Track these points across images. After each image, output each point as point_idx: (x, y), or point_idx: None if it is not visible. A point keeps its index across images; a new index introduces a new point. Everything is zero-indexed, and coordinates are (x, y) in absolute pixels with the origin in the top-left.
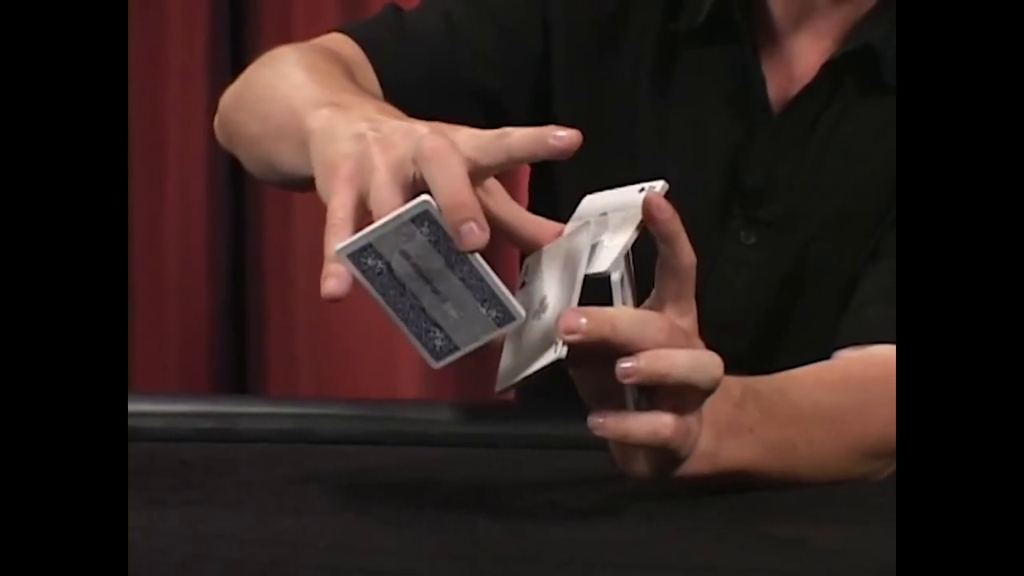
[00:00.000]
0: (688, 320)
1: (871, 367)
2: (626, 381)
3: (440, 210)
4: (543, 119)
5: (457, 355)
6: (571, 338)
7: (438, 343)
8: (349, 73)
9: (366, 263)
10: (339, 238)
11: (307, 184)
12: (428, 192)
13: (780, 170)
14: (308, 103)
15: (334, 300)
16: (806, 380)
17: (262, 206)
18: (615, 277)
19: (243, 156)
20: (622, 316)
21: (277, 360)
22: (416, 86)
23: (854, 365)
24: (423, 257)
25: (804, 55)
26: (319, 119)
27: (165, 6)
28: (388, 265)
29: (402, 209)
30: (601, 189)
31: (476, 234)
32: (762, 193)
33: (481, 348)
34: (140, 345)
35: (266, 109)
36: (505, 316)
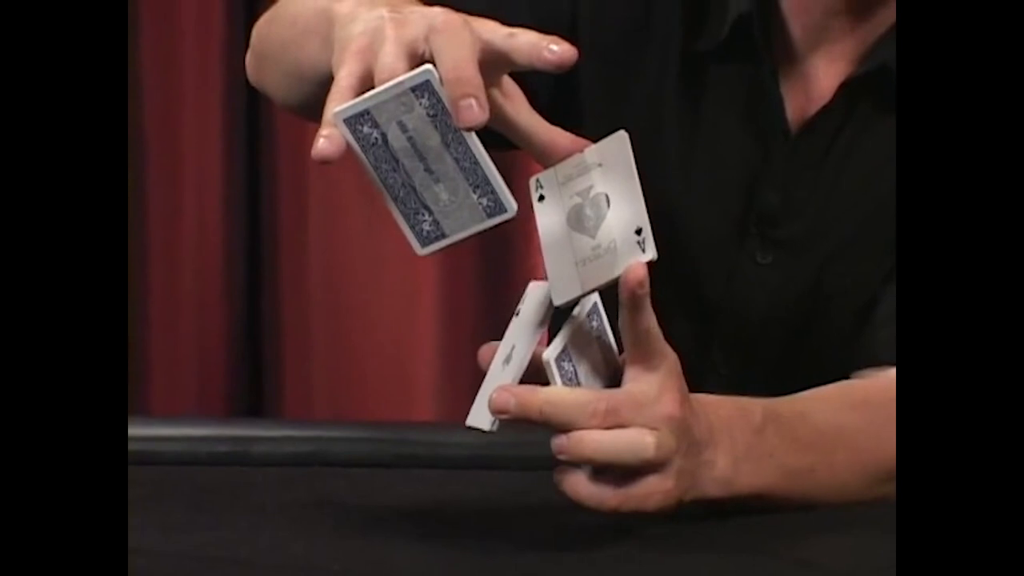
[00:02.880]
0: (656, 376)
1: (890, 389)
2: (559, 457)
3: (442, 82)
4: (567, 125)
5: (443, 243)
6: (502, 417)
7: (426, 227)
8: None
9: (362, 131)
10: (335, 103)
11: (328, 87)
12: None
13: (797, 190)
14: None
15: (324, 162)
16: (828, 403)
17: (278, 228)
18: (548, 359)
19: (269, 75)
20: (554, 399)
21: (293, 382)
22: None
23: (874, 387)
24: (420, 131)
25: (821, 76)
26: (345, 6)
27: (180, 23)
28: (384, 136)
29: (404, 76)
30: None
31: (475, 111)
32: (778, 213)
33: (469, 238)
34: (156, 367)
35: (296, 11)
36: (496, 207)
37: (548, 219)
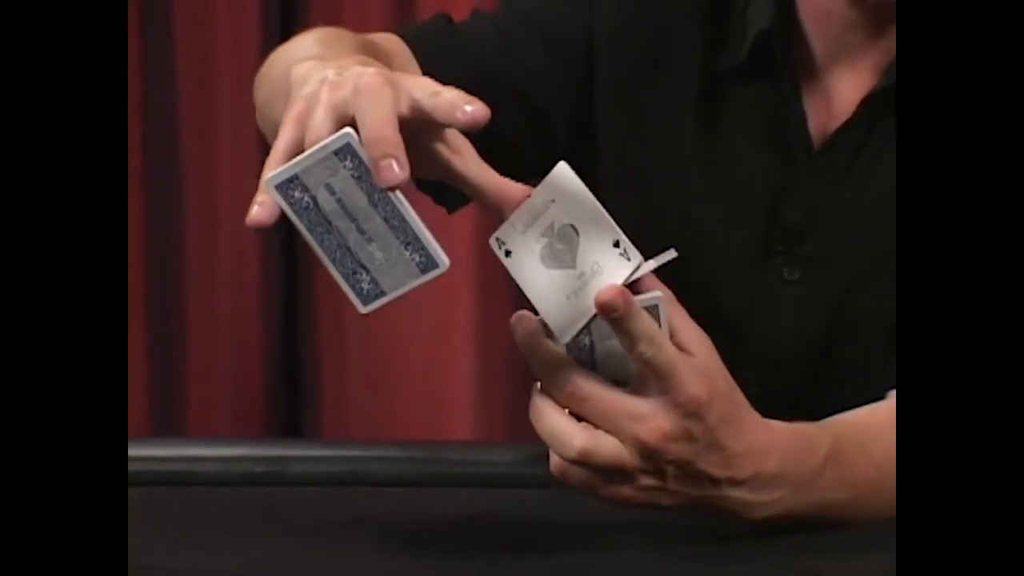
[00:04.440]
0: (652, 401)
1: None
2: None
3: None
4: (585, 152)
5: (384, 300)
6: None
7: (365, 286)
8: (379, 57)
9: (293, 195)
10: (269, 169)
11: None
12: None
13: (821, 206)
14: (300, 60)
15: (258, 229)
16: (887, 430)
17: None
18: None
19: (263, 128)
20: (549, 361)
21: (330, 403)
22: (456, 84)
23: None
24: (347, 193)
25: (843, 91)
26: (301, 68)
27: (215, 40)
28: (315, 199)
29: (327, 140)
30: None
31: (394, 171)
32: (803, 229)
33: (407, 294)
34: (194, 389)
35: (273, 71)
36: (428, 262)
37: (523, 269)
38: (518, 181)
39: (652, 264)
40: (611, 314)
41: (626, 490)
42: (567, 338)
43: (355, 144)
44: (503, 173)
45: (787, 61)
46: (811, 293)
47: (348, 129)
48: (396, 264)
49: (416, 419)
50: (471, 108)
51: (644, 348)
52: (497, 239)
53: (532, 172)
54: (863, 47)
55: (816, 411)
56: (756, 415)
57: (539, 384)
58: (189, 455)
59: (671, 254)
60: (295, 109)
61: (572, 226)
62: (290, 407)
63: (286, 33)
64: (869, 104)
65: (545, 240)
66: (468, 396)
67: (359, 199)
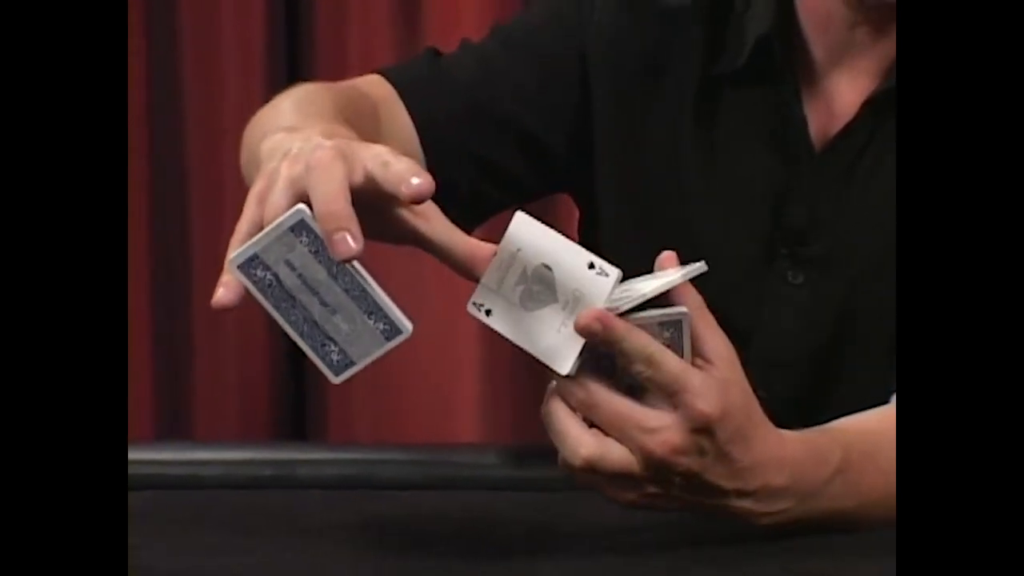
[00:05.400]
0: (663, 414)
1: None
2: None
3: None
4: (584, 165)
5: (355, 369)
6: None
7: (334, 357)
8: (363, 109)
9: (256, 274)
10: (232, 250)
11: None
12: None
13: (823, 208)
14: (274, 130)
15: (224, 310)
16: (895, 438)
17: None
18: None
19: None
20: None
21: (336, 406)
22: (448, 123)
23: None
24: (307, 267)
25: (844, 93)
26: (270, 142)
27: (221, 55)
28: (276, 276)
29: (282, 218)
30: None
31: (348, 243)
32: (806, 232)
33: (377, 362)
34: (200, 392)
35: (250, 139)
36: (392, 329)
37: (506, 322)
38: (522, 209)
39: (680, 277)
40: (592, 338)
41: (631, 495)
42: (567, 369)
43: (308, 219)
44: (507, 203)
45: (787, 64)
46: (815, 296)
47: (301, 205)
48: (362, 334)
49: (422, 421)
50: (416, 181)
51: (640, 368)
52: (474, 303)
53: (534, 196)
54: (864, 49)
55: (819, 414)
56: (769, 426)
57: (554, 383)
58: (195, 458)
59: (701, 267)
60: (257, 187)
61: (544, 265)
62: (296, 410)
63: (291, 35)
64: (870, 106)
65: (521, 287)
66: (474, 397)
67: (318, 272)
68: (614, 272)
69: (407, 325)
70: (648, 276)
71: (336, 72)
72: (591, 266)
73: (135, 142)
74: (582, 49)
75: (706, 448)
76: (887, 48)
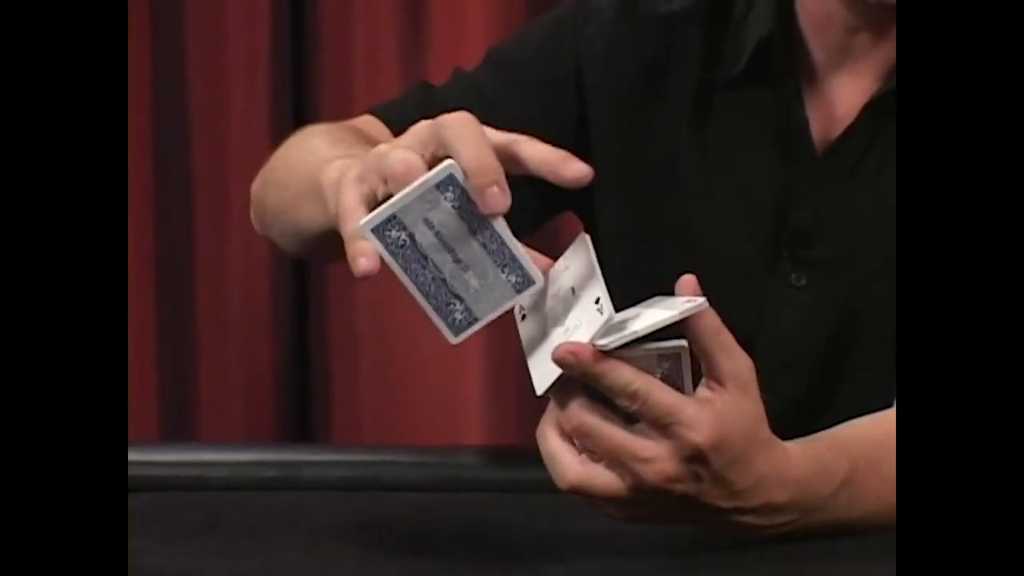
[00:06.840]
0: (658, 443)
1: None
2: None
3: (464, 174)
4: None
5: (475, 328)
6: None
7: (457, 316)
8: (365, 143)
9: (390, 236)
10: (353, 222)
11: (331, 239)
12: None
13: (826, 210)
14: (324, 161)
15: (367, 278)
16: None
17: None
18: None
19: (273, 232)
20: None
21: (341, 407)
22: None
23: None
24: (447, 224)
25: (845, 95)
26: (333, 168)
27: (227, 58)
28: (412, 236)
29: (427, 175)
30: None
31: (499, 197)
32: (809, 234)
33: (498, 319)
34: (205, 393)
35: (287, 178)
36: (525, 280)
37: (526, 329)
38: (524, 233)
39: (678, 314)
40: (568, 370)
41: (622, 514)
42: (541, 390)
43: (459, 176)
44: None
45: (788, 68)
46: (818, 298)
47: (451, 161)
48: (492, 288)
49: (427, 422)
50: (579, 167)
51: (624, 403)
52: (521, 306)
53: (537, 220)
54: (864, 51)
55: (823, 415)
56: (775, 445)
57: (552, 405)
58: (200, 460)
59: (702, 303)
60: (352, 173)
61: (572, 288)
62: (301, 411)
63: (297, 37)
64: (872, 109)
65: (551, 303)
66: (480, 400)
67: (459, 228)
68: (607, 312)
69: (540, 276)
70: (656, 302)
71: (341, 73)
72: (596, 301)
73: (140, 143)
74: (576, 71)
75: (702, 475)
76: (888, 50)
